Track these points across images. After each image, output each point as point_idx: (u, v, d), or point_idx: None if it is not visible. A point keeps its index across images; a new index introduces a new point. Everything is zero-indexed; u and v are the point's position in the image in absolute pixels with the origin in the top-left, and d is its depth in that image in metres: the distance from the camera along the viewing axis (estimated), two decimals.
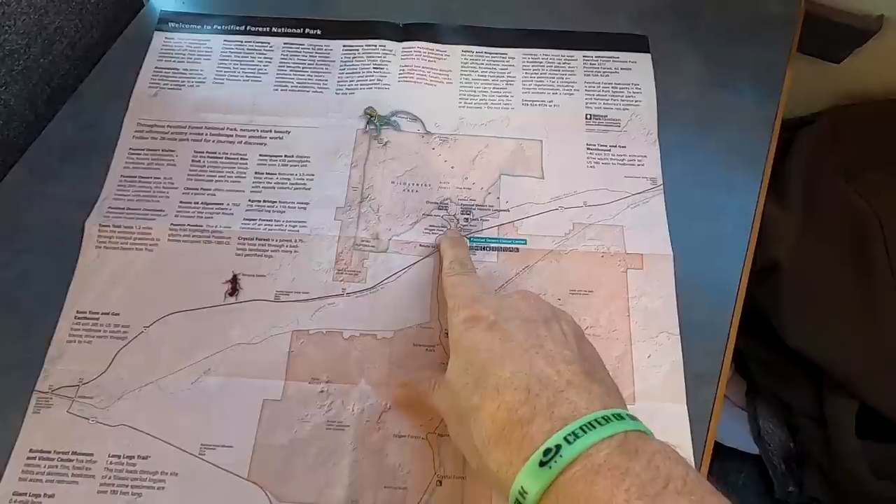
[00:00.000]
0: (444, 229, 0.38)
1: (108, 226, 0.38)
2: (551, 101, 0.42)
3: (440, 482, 0.32)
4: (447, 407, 0.28)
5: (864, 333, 0.49)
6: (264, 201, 0.39)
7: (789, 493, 0.54)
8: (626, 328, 0.35)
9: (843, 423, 0.50)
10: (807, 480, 0.53)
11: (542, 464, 0.21)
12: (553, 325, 0.27)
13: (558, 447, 0.21)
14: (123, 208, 0.39)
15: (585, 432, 0.21)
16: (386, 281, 0.37)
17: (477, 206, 0.39)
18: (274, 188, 0.40)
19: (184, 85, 0.44)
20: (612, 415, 0.22)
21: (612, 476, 0.20)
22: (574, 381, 0.23)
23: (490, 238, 0.38)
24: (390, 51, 0.45)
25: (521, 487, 0.21)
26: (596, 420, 0.21)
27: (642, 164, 0.40)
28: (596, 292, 0.36)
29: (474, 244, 0.38)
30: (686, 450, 0.33)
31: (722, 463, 0.58)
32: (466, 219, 0.39)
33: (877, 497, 0.49)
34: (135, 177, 0.40)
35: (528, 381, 0.23)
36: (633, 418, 0.22)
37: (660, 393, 0.34)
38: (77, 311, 0.36)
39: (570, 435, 0.21)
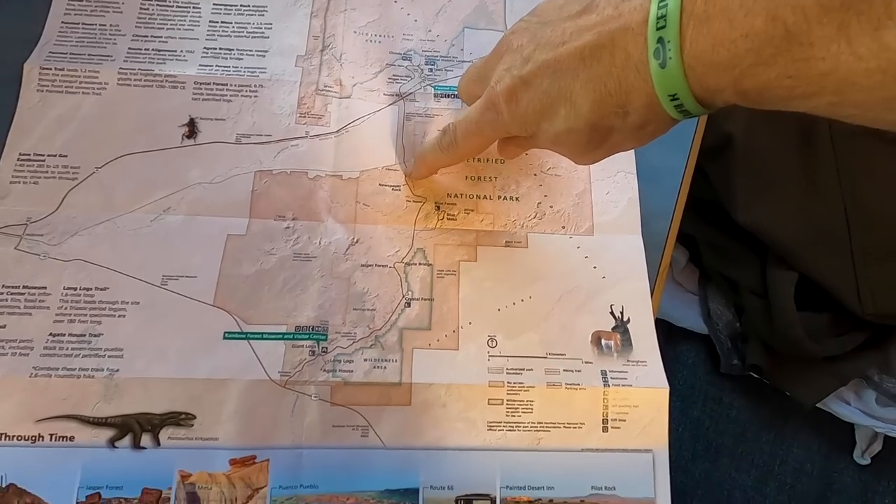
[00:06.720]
0: (408, 79, 0.38)
1: (51, 69, 0.36)
2: None
3: (408, 304, 0.32)
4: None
5: (804, 208, 0.52)
6: (220, 49, 0.38)
7: (733, 366, 0.59)
8: (585, 168, 0.36)
9: (783, 293, 0.53)
10: (749, 351, 0.57)
11: None
12: None
13: None
14: (66, 53, 0.36)
15: None
16: (350, 125, 0.36)
17: (441, 57, 0.39)
18: (230, 36, 0.38)
19: None
20: None
21: None
22: None
23: (455, 87, 0.38)
24: None
25: None
26: None
27: None
28: None
29: (439, 92, 0.38)
30: (641, 275, 0.34)
31: (675, 343, 0.61)
32: (430, 69, 0.38)
33: (810, 356, 0.53)
34: (77, 23, 0.37)
35: None
36: None
37: (617, 225, 0.35)
38: (20, 154, 0.34)
39: None
